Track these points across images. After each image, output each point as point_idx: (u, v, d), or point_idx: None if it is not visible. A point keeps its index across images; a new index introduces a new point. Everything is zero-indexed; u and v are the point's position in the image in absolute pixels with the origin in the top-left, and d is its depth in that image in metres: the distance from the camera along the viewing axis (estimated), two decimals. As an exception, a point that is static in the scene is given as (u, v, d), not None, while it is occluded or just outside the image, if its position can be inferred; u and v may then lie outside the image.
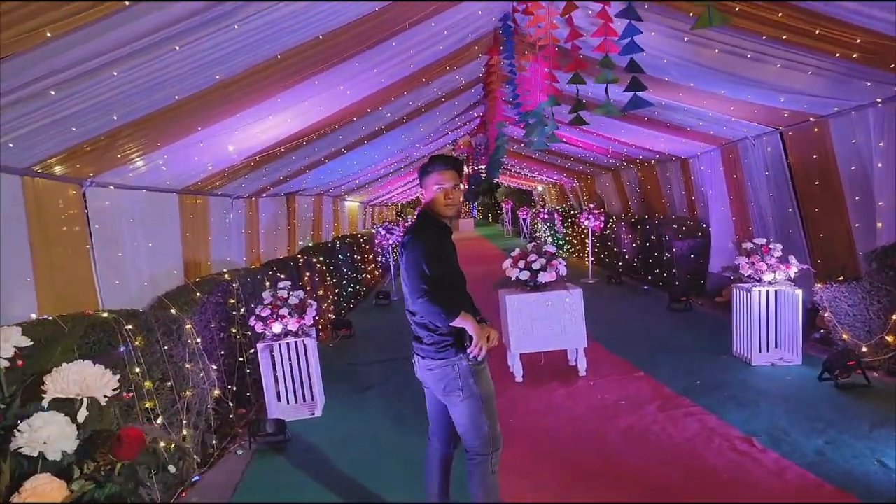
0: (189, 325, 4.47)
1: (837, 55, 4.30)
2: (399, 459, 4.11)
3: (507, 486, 3.49)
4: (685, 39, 4.74)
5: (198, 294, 4.83)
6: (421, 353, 2.94)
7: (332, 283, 9.58)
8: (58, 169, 3.64)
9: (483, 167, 12.43)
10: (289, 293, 5.09)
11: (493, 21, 5.08)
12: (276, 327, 4.90)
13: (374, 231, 13.86)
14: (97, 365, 1.30)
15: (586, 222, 11.24)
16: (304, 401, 5.17)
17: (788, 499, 3.16)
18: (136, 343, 3.68)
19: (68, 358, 1.34)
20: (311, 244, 9.77)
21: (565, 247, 15.98)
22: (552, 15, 3.75)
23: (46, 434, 1.15)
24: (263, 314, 4.94)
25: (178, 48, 2.66)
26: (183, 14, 2.42)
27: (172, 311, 4.41)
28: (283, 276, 6.61)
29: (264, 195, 7.66)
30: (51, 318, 3.27)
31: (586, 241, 12.41)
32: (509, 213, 28.00)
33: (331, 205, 11.74)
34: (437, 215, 2.86)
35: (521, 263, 5.35)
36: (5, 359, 1.28)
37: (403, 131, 7.72)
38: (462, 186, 2.92)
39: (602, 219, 11.39)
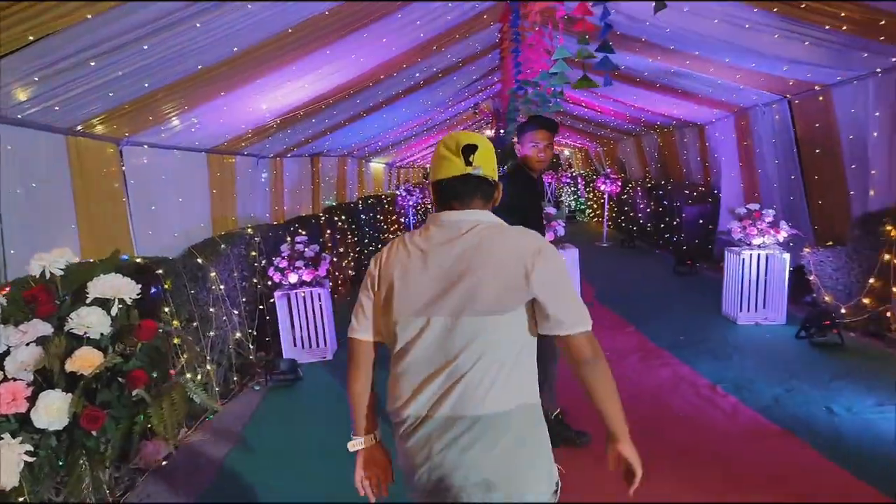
0: (213, 273, 4.96)
1: (828, 27, 4.45)
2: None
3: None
4: (685, 10, 4.92)
5: (222, 246, 5.31)
6: None
7: (353, 240, 10.04)
8: (98, 129, 4.07)
9: (504, 131, 12.63)
10: (305, 247, 5.53)
11: (500, -9, 5.31)
12: (293, 277, 5.37)
13: (396, 193, 14.25)
14: (123, 277, 1.73)
15: (603, 186, 11.44)
16: (318, 346, 5.66)
17: (736, 436, 3.52)
18: (166, 286, 4.17)
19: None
20: (334, 203, 10.20)
21: (586, 211, 16.16)
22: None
23: (89, 320, 1.61)
24: (281, 265, 5.40)
25: (198, 25, 3.04)
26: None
27: (199, 260, 4.89)
28: (304, 233, 7.07)
29: (289, 155, 8.07)
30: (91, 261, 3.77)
31: (604, 205, 12.63)
32: (536, 176, 28.04)
33: (355, 166, 12.12)
34: (529, 169, 3.29)
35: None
36: (60, 269, 1.73)
37: (422, 95, 8.00)
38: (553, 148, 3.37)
39: (619, 183, 11.57)
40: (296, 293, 5.51)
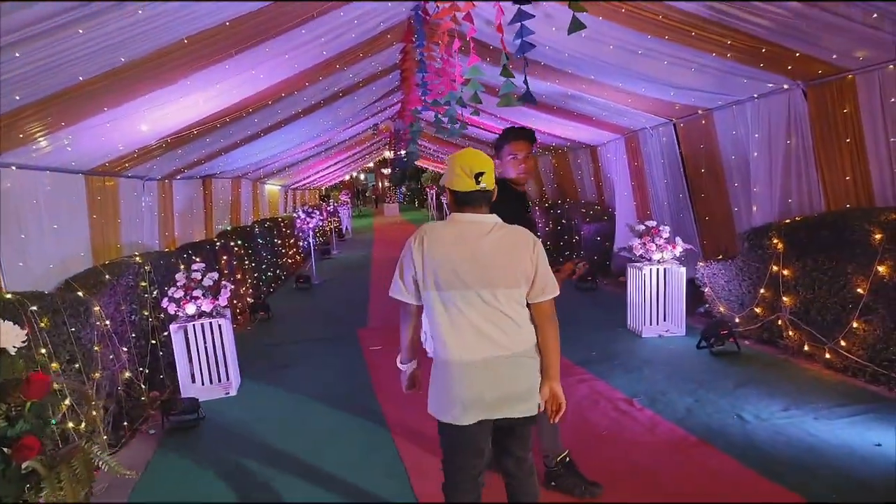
0: (97, 308, 4.46)
1: (714, 54, 4.76)
2: (309, 436, 4.28)
3: (414, 452, 3.76)
4: (582, 35, 5.08)
5: (106, 276, 4.80)
6: None
7: (250, 266, 9.55)
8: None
9: (404, 152, 12.60)
10: (203, 275, 5.13)
11: (403, 11, 5.25)
12: (190, 308, 4.95)
13: (294, 215, 13.78)
14: (4, 321, 1.44)
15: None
16: (219, 381, 5.25)
17: (657, 449, 3.59)
18: (42, 325, 3.68)
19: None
20: (229, 227, 9.67)
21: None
22: (457, 10, 3.97)
23: None
24: (176, 296, 4.97)
25: (80, 31, 2.71)
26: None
27: (80, 293, 4.39)
28: (198, 259, 6.59)
29: (178, 177, 7.55)
30: (-51, 299, 3.24)
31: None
32: (434, 197, 28.31)
33: (250, 188, 11.60)
34: (512, 183, 3.06)
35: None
36: None
37: (322, 115, 7.78)
38: (531, 155, 3.11)
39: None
40: (193, 325, 5.08)
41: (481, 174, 2.19)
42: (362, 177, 44.03)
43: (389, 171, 27.60)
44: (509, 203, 2.84)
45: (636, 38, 4.81)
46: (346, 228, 20.37)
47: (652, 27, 4.53)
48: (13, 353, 1.40)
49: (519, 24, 3.54)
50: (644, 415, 4.06)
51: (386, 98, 9.60)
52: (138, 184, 6.45)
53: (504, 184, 3.00)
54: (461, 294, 2.20)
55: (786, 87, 5.24)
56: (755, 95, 5.66)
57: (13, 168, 4.22)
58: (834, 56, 4.44)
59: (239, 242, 9.12)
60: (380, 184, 44.38)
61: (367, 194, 44.95)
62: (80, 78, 3.21)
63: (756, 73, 5.04)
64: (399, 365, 2.59)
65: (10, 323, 1.42)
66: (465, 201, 2.26)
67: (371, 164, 30.48)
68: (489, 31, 5.08)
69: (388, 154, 16.57)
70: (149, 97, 4.11)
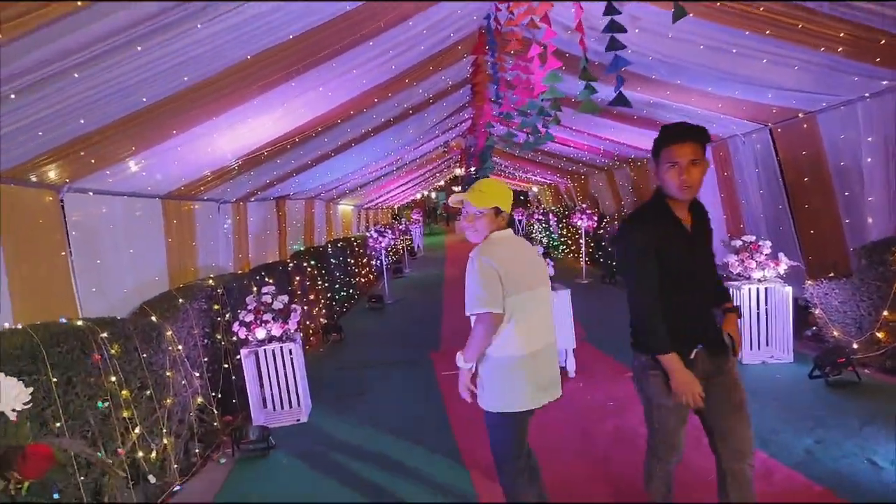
0: (169, 332, 4.41)
1: (822, 49, 4.25)
2: (384, 466, 4.04)
3: (491, 489, 3.44)
4: (669, 36, 4.69)
5: (180, 300, 4.77)
6: None
7: (323, 287, 9.52)
8: (32, 175, 3.57)
9: (475, 169, 12.38)
10: (273, 298, 5.03)
11: (475, 20, 5.02)
12: (260, 333, 4.84)
13: (367, 234, 13.80)
14: (7, 377, 1.25)
15: (579, 222, 11.19)
16: (290, 407, 5.11)
17: (776, 498, 3.10)
18: (113, 351, 3.62)
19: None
20: (302, 248, 9.70)
21: (560, 247, 15.93)
22: (534, 12, 3.69)
23: None
24: (247, 319, 4.88)
25: (139, 49, 2.60)
26: (140, 16, 2.36)
27: (152, 317, 4.35)
28: (271, 281, 6.55)
29: (252, 199, 7.59)
30: (20, 327, 3.22)
31: (580, 241, 12.36)
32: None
33: (323, 208, 11.68)
34: (670, 200, 2.39)
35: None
36: None
37: (392, 134, 7.66)
38: (707, 163, 2.39)
39: (595, 218, 11.34)
40: (264, 350, 4.98)
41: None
42: (433, 195, 44.24)
43: (460, 188, 27.49)
44: (670, 240, 2.34)
45: (731, 35, 4.37)
46: (418, 246, 20.33)
47: (750, 22, 4.09)
48: (13, 418, 1.19)
49: (609, 35, 3.21)
50: (756, 458, 3.55)
51: (457, 114, 9.42)
52: (213, 206, 6.49)
53: (659, 205, 2.42)
54: (531, 294, 2.64)
55: (904, 82, 4.64)
56: (867, 95, 5.06)
57: (90, 194, 4.25)
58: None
59: (312, 263, 9.11)
60: (450, 202, 44.42)
61: (438, 212, 45.10)
62: (145, 100, 3.12)
63: (870, 69, 4.48)
64: (463, 364, 2.74)
65: (14, 379, 1.22)
66: (509, 222, 2.78)
67: (442, 183, 30.51)
68: (567, 36, 4.78)
69: (459, 171, 16.41)
70: (215, 121, 4.03)
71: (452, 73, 6.56)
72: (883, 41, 3.95)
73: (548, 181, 18.49)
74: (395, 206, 28.55)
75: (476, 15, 4.86)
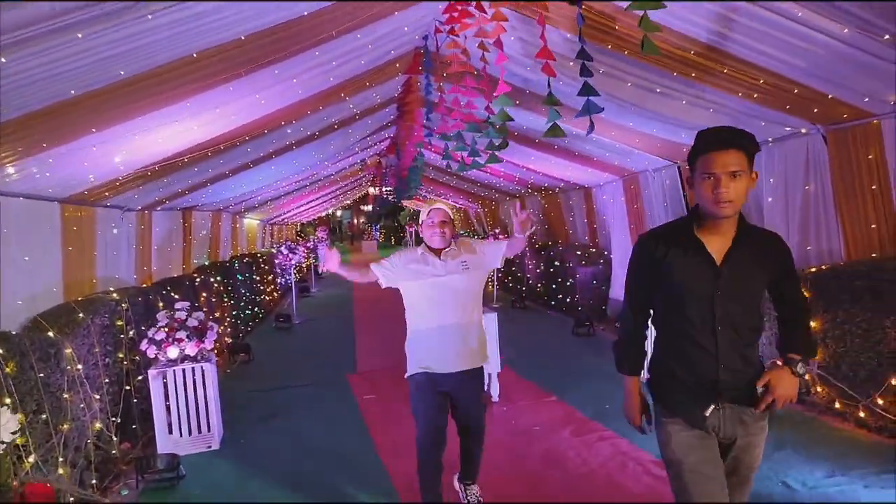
0: (69, 350, 3.97)
1: (740, 94, 4.59)
2: (308, 495, 3.83)
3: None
4: (601, 71, 4.90)
5: (80, 315, 4.32)
6: None
7: (229, 304, 9.03)
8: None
9: (390, 189, 12.31)
10: (188, 314, 4.67)
11: (415, 39, 5.01)
12: (173, 352, 4.47)
13: (274, 251, 13.30)
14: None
15: (493, 247, 11.36)
16: (200, 433, 4.73)
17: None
18: (7, 370, 3.19)
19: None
20: (207, 262, 9.18)
21: (469, 271, 16.09)
22: (485, 35, 3.72)
23: None
24: (157, 337, 4.49)
25: (80, 36, 2.34)
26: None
27: (50, 333, 3.90)
28: (177, 297, 6.12)
29: (158, 208, 7.10)
30: None
31: (491, 265, 12.57)
32: (413, 236, 28.04)
33: (229, 222, 11.14)
34: (708, 222, 2.03)
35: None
36: None
37: (314, 148, 7.46)
38: (754, 175, 2.02)
39: (508, 244, 11.57)
40: (174, 370, 4.59)
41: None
42: (338, 213, 43.64)
43: (371, 207, 27.27)
44: (682, 262, 2.05)
45: (659, 75, 4.63)
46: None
47: (679, 65, 4.35)
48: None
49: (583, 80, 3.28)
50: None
51: (378, 132, 9.34)
52: (117, 214, 5.99)
53: (683, 224, 2.12)
54: None
55: (804, 130, 5.10)
56: (769, 139, 5.52)
57: (-20, 193, 3.79)
58: (866, 99, 4.30)
59: (218, 279, 8.63)
60: (355, 220, 44.03)
61: (342, 231, 44.52)
62: (73, 92, 2.82)
63: (778, 116, 4.89)
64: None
65: (5, 410, 1.03)
66: None
67: (348, 201, 30.13)
68: (515, 66, 4.86)
69: (372, 190, 16.25)
70: (143, 118, 3.73)
71: (383, 91, 6.50)
72: (796, 90, 4.33)
73: (458, 205, 18.74)
74: (300, 223, 27.83)
75: (418, 34, 4.85)
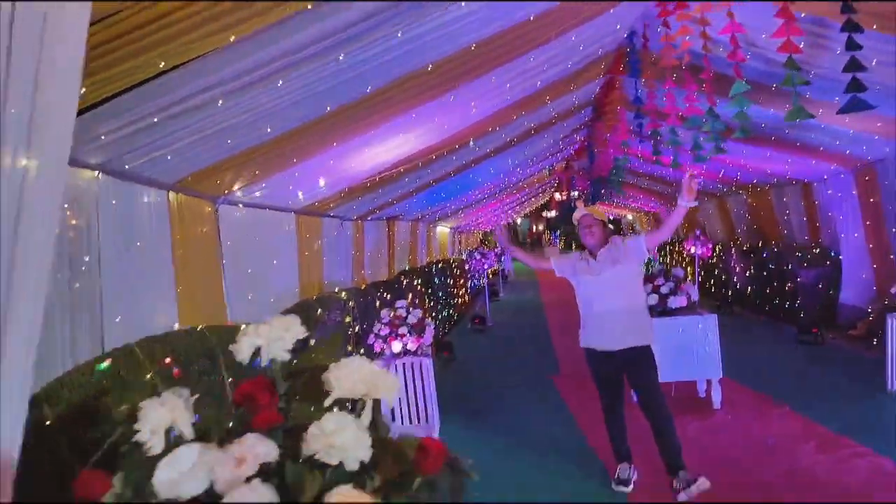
0: (313, 342, 4.45)
1: None
2: (527, 485, 3.93)
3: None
4: (837, 52, 4.38)
5: (319, 310, 4.82)
6: None
7: (429, 305, 9.52)
8: (197, 185, 3.68)
9: (578, 192, 12.15)
10: (407, 311, 5.01)
11: (622, 37, 4.89)
12: (396, 346, 4.82)
13: (464, 257, 13.83)
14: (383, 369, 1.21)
15: (693, 249, 10.69)
16: (421, 423, 5.04)
17: None
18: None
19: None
20: (407, 268, 9.79)
21: (662, 276, 15.30)
22: (705, 23, 3.52)
23: (341, 439, 1.03)
24: (382, 332, 4.87)
25: (341, 58, 2.62)
26: (353, 18, 2.37)
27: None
28: (388, 297, 6.59)
29: (370, 218, 7.73)
30: (199, 328, 3.29)
31: (688, 269, 11.81)
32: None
33: (425, 230, 11.79)
34: None
35: (648, 287, 5.04)
36: (287, 352, 1.21)
37: (510, 154, 7.60)
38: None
39: (710, 246, 10.81)
40: (396, 363, 4.94)
41: None
42: (518, 221, 44.11)
43: (554, 213, 27.18)
44: None
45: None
46: (509, 271, 20.26)
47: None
48: (391, 407, 1.14)
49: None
50: None
51: (569, 136, 9.27)
52: (337, 223, 6.62)
53: None
54: None
55: None
56: None
57: (240, 206, 4.38)
58: None
59: (419, 282, 9.14)
60: (534, 227, 44.19)
61: (522, 238, 44.90)
62: (328, 108, 3.17)
63: None
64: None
65: (386, 370, 1.17)
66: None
67: (529, 209, 30.28)
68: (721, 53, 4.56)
69: (557, 196, 16.18)
70: (375, 131, 4.06)
71: (581, 94, 6.44)
72: None
73: (646, 208, 17.93)
74: (482, 232, 28.57)
75: (624, 31, 4.72)
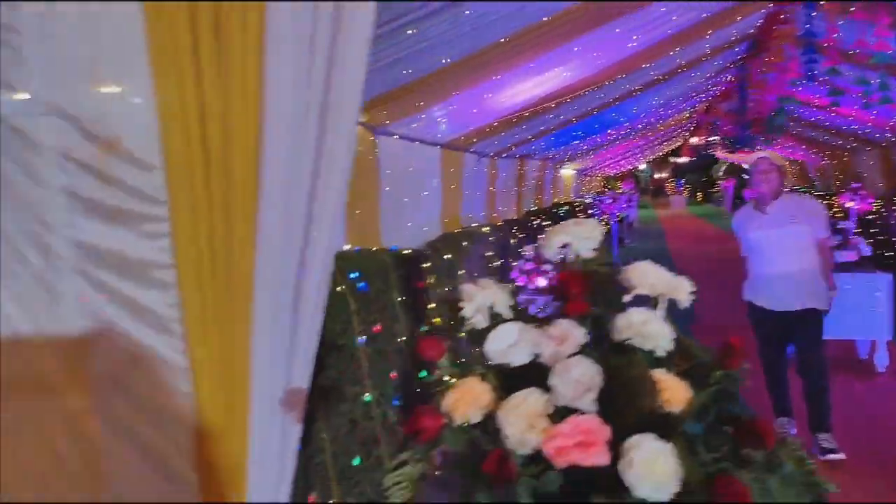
0: (462, 272, 4.67)
1: None
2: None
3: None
4: None
5: (465, 243, 5.01)
6: None
7: (557, 248, 9.55)
8: (363, 116, 3.87)
9: (721, 138, 11.44)
10: (546, 249, 5.08)
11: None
12: (541, 281, 4.92)
13: (589, 200, 13.60)
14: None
15: (850, 203, 9.81)
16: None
17: None
18: (430, 281, 3.90)
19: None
20: (534, 208, 9.82)
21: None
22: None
23: (650, 329, 1.18)
24: (527, 268, 4.98)
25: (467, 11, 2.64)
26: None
27: (447, 256, 4.62)
28: (522, 235, 6.69)
29: (504, 155, 7.76)
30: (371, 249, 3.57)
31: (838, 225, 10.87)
32: (731, 191, 25.66)
33: (552, 171, 11.67)
34: None
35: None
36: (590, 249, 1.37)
37: (656, 92, 7.29)
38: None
39: (870, 200, 9.86)
40: (534, 301, 5.06)
41: None
42: (641, 167, 42.31)
43: (686, 159, 25.81)
44: None
45: None
46: (634, 218, 19.72)
47: None
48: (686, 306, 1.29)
49: None
50: None
51: (719, 74, 8.68)
52: (475, 159, 6.73)
53: None
54: None
55: None
56: None
57: (396, 137, 4.58)
58: None
59: (548, 223, 9.16)
60: (656, 175, 42.13)
61: (642, 185, 43.12)
62: (502, 39, 3.21)
63: None
64: None
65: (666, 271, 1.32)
66: None
67: (656, 155, 28.89)
68: None
69: (694, 140, 15.32)
70: (529, 66, 4.07)
71: (741, 25, 5.99)
72: None
73: (796, 157, 16.54)
74: (604, 176, 27.70)
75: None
